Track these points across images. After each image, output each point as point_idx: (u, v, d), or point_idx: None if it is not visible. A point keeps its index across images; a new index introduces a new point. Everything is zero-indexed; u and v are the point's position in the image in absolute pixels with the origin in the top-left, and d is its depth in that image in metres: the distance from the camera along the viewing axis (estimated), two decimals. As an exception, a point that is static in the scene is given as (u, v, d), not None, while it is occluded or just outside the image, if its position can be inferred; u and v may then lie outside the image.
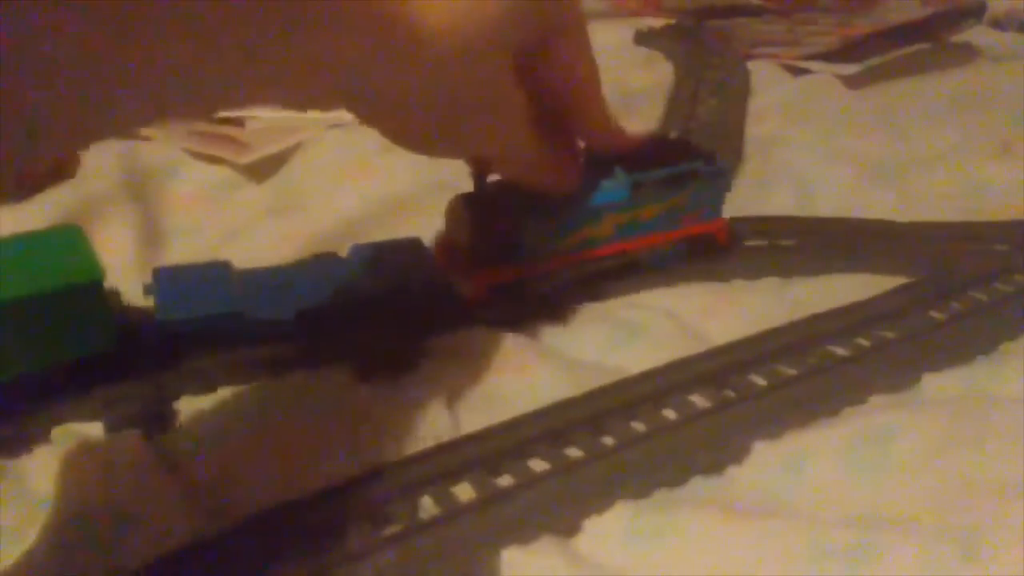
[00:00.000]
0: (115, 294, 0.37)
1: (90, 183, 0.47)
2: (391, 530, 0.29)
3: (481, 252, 0.39)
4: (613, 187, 0.40)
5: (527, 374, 0.37)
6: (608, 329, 0.40)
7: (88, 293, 0.33)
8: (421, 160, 0.54)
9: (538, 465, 0.32)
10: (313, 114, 0.61)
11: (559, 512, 0.30)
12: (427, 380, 0.37)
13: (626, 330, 0.39)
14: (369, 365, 0.37)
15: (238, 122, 0.57)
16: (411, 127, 0.31)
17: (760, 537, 0.30)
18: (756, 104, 0.65)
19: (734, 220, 0.45)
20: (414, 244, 0.40)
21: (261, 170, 0.52)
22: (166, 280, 0.36)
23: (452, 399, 0.36)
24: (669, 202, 0.41)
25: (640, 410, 0.34)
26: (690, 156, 0.42)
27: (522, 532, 0.29)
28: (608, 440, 0.33)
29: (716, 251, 0.44)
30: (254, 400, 0.35)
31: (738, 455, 0.33)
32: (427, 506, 0.30)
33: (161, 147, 0.52)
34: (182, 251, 0.45)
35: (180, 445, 0.32)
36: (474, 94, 0.31)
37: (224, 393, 0.35)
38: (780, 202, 0.52)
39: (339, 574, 0.27)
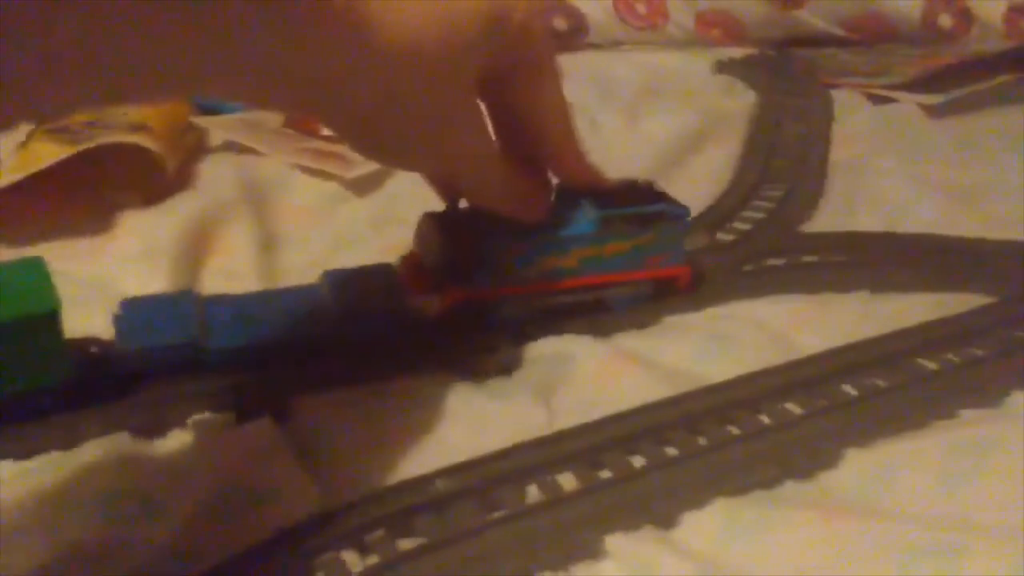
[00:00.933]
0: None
1: (212, 193, 0.51)
2: (499, 514, 0.31)
3: (446, 270, 0.40)
4: (580, 220, 0.41)
5: (620, 379, 0.39)
6: (699, 338, 0.41)
7: (44, 324, 0.33)
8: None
9: (637, 461, 0.34)
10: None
11: (659, 504, 0.32)
12: (523, 383, 0.39)
13: (717, 339, 0.41)
14: (467, 368, 0.39)
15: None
16: (365, 135, 0.32)
17: (853, 536, 0.31)
18: (839, 131, 0.66)
19: (825, 234, 0.46)
20: (384, 271, 0.41)
21: (365, 185, 0.55)
22: (131, 311, 0.37)
23: (548, 401, 0.38)
24: (634, 241, 0.41)
25: (735, 414, 0.36)
26: (656, 200, 0.42)
27: (624, 521, 0.31)
28: (703, 441, 0.35)
29: (678, 296, 0.43)
30: (365, 399, 0.37)
31: (831, 461, 0.34)
32: (533, 494, 0.32)
33: (273, 162, 0.55)
34: (293, 259, 0.48)
35: (305, 433, 0.35)
36: (428, 109, 0.31)
37: (339, 393, 0.37)
38: (865, 225, 0.53)
39: (451, 551, 0.29)
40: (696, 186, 0.56)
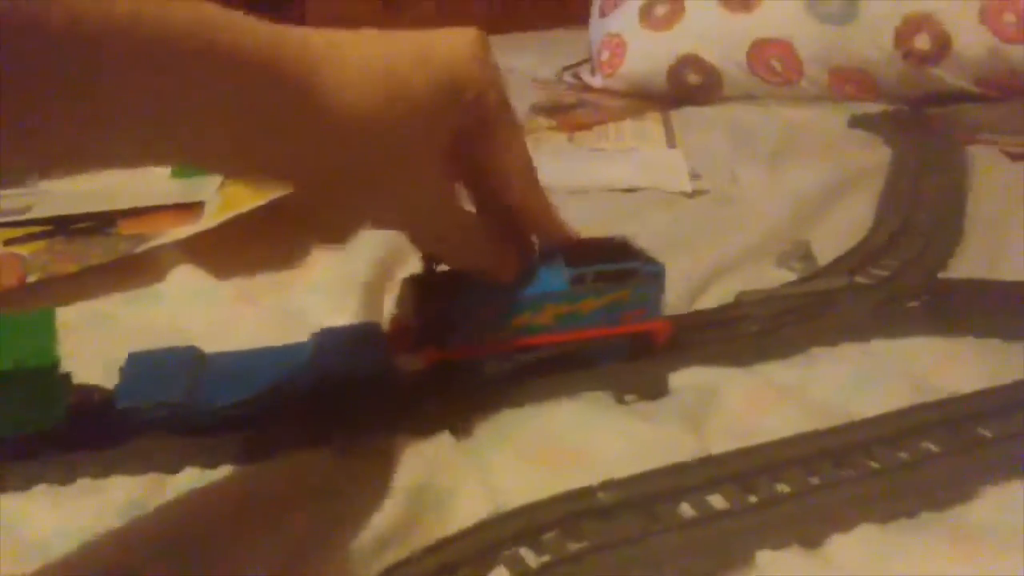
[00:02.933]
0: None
1: (389, 233, 0.56)
2: (656, 525, 0.34)
3: (423, 330, 0.41)
4: (553, 278, 0.42)
5: (768, 411, 0.42)
6: (842, 373, 0.44)
7: (43, 375, 0.36)
8: (663, 220, 0.60)
9: (783, 488, 0.36)
10: (554, 181, 0.69)
11: (806, 526, 0.34)
12: (673, 410, 0.42)
13: (860, 376, 0.44)
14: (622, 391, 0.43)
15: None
16: (328, 198, 0.34)
17: (988, 565, 0.33)
18: (976, 186, 0.67)
19: (965, 280, 0.47)
20: (371, 331, 0.43)
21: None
22: (135, 365, 0.40)
23: (698, 428, 0.41)
24: (609, 297, 0.42)
25: (877, 449, 0.38)
26: (631, 257, 0.43)
27: (772, 539, 0.34)
28: (847, 472, 0.37)
29: (655, 351, 0.44)
30: (523, 418, 0.42)
31: (967, 495, 0.36)
32: (686, 510, 0.35)
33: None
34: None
35: (478, 447, 0.39)
36: (388, 174, 0.33)
37: (505, 414, 0.42)
38: (1004, 277, 0.54)
39: (615, 555, 0.33)
40: (836, 235, 0.59)
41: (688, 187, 0.68)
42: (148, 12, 0.25)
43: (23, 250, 0.52)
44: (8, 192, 0.60)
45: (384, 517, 0.35)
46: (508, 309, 0.41)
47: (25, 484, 0.37)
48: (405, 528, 0.34)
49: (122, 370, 0.39)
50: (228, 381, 0.40)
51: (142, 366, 0.40)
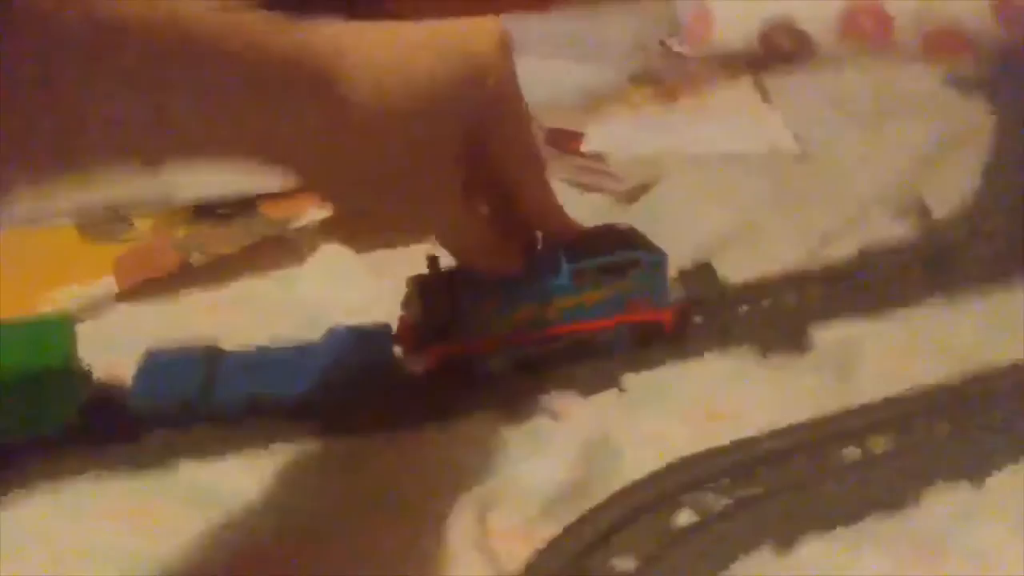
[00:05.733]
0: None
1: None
2: (824, 469, 0.36)
3: (429, 328, 0.41)
4: (556, 271, 0.42)
5: (912, 358, 0.43)
6: (978, 324, 0.45)
7: (55, 375, 0.38)
8: (770, 182, 0.61)
9: (943, 428, 0.38)
10: (658, 150, 0.70)
11: (970, 463, 0.36)
12: (819, 363, 0.44)
13: (996, 324, 0.45)
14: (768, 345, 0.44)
15: (601, 158, 0.68)
16: (343, 188, 0.35)
17: None
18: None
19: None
20: (380, 333, 0.43)
21: (631, 196, 0.62)
22: (151, 362, 0.41)
23: (846, 378, 0.42)
24: (612, 288, 0.43)
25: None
26: (634, 247, 0.43)
27: (940, 476, 0.35)
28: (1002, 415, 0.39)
29: (663, 338, 0.44)
30: (675, 375, 0.43)
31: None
32: (851, 453, 0.37)
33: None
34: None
35: (639, 401, 0.42)
36: (404, 162, 0.33)
37: (661, 371, 0.44)
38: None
39: (793, 497, 0.35)
40: (947, 191, 0.59)
41: (792, 148, 0.69)
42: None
43: (174, 235, 0.55)
44: (150, 181, 0.63)
45: (564, 470, 0.37)
46: (514, 303, 0.42)
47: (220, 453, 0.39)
48: (584, 479, 0.36)
49: (139, 367, 0.41)
50: (240, 378, 0.41)
51: (158, 363, 0.41)
